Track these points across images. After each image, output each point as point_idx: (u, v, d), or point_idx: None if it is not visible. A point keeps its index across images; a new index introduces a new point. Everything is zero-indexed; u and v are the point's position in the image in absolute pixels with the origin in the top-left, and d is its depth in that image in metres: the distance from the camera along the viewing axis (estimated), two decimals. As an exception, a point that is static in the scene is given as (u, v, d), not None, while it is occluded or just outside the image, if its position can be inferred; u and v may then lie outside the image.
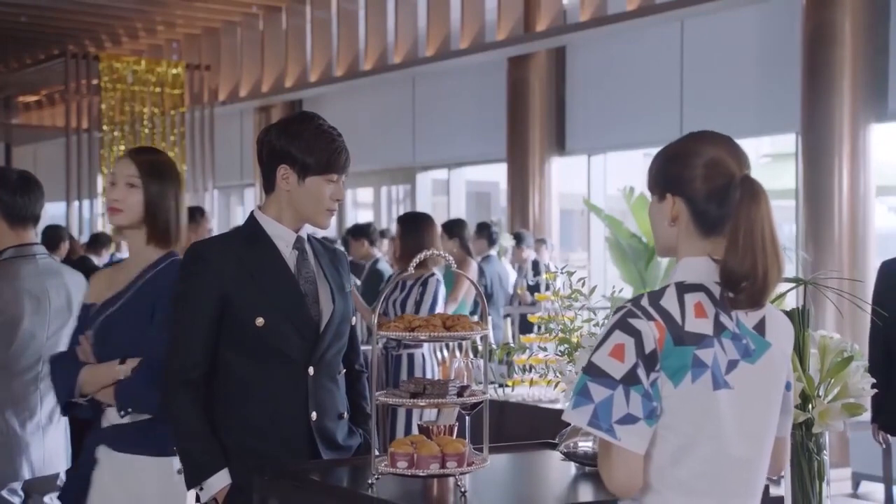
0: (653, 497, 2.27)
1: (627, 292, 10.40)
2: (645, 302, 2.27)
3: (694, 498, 2.29)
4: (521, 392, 6.12)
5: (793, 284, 3.03)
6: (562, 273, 3.02)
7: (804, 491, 2.92)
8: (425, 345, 6.34)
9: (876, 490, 7.46)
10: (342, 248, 3.45)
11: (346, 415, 3.29)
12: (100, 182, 16.08)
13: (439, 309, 6.36)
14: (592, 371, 2.23)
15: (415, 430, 3.55)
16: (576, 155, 12.45)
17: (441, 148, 14.06)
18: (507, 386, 6.22)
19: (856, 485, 7.81)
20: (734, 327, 2.30)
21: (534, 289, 9.35)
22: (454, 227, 8.59)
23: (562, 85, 12.41)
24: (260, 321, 3.09)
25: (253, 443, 3.13)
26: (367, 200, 16.29)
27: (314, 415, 3.15)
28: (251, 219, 3.27)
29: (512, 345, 3.68)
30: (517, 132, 12.45)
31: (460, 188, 14.61)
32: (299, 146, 3.17)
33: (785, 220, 10.27)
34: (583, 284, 2.99)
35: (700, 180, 2.30)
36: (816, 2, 9.34)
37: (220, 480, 3.09)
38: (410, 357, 6.27)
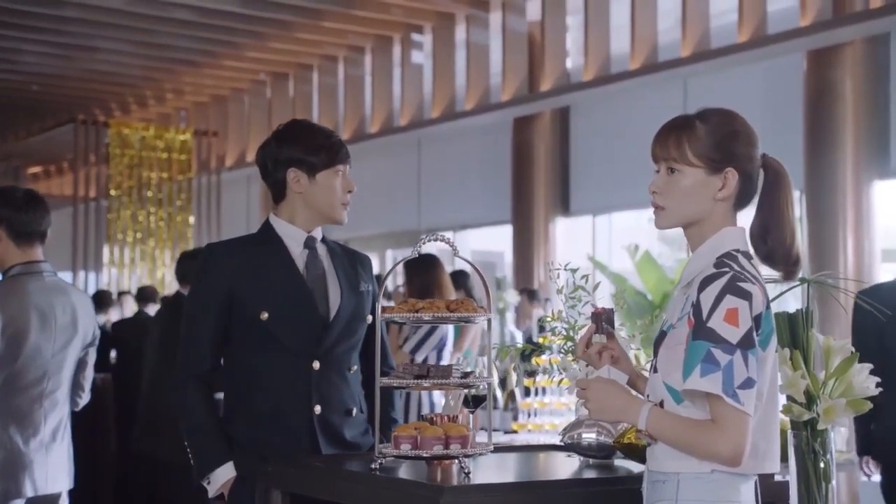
0: None
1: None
2: (738, 266, 2.30)
3: (759, 461, 2.33)
4: (527, 438, 6.07)
5: (796, 283, 3.04)
6: (565, 270, 3.02)
7: (810, 492, 2.89)
8: None
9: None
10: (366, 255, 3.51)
11: (356, 412, 3.30)
12: (106, 253, 16.06)
13: (448, 348, 6.42)
14: (711, 336, 2.22)
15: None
16: (581, 215, 12.49)
17: (446, 211, 14.09)
18: (512, 431, 6.18)
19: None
20: None
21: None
22: (459, 278, 8.64)
23: (566, 146, 12.48)
24: (265, 315, 3.17)
25: (257, 434, 3.18)
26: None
27: (318, 408, 3.19)
28: (265, 223, 3.38)
29: (518, 344, 3.66)
30: (522, 193, 12.50)
31: (465, 255, 14.58)
32: (302, 148, 3.29)
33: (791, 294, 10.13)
34: (586, 281, 3.00)
35: (757, 159, 2.43)
36: (817, 61, 9.45)
37: (225, 473, 3.15)
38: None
